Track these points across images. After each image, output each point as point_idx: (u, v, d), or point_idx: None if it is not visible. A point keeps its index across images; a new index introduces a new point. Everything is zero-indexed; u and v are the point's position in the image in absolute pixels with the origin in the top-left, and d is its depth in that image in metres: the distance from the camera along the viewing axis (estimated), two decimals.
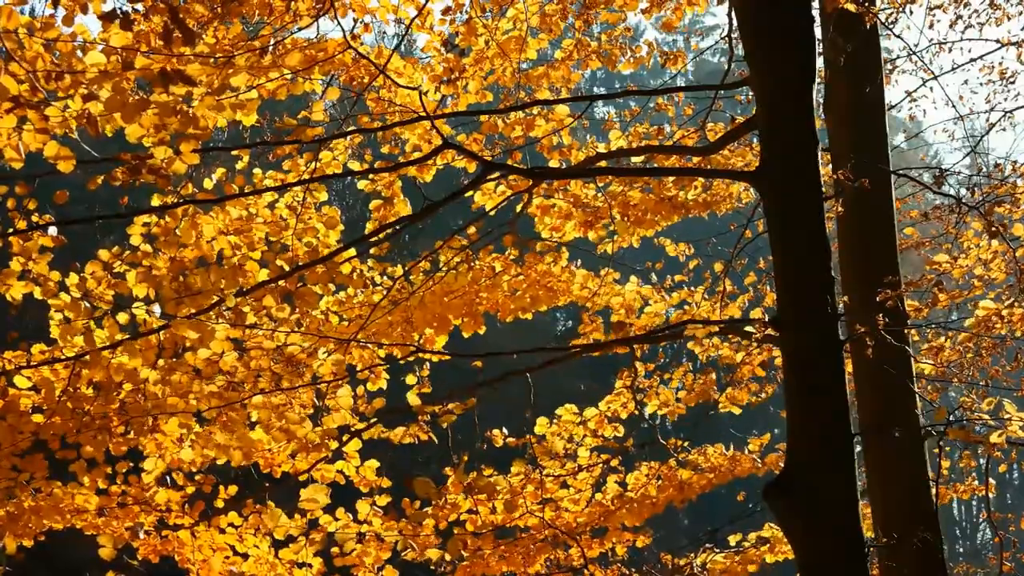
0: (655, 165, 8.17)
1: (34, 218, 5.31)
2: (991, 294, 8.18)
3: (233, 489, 6.74)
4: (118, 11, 3.34)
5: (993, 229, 6.99)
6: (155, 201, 5.95)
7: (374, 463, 6.89)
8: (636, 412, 8.25)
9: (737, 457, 8.57)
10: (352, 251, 6.53)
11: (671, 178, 8.12)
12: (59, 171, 4.39)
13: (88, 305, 5.47)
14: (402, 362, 7.46)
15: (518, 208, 8.01)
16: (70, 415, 5.38)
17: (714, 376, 8.90)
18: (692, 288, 8.98)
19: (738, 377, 8.84)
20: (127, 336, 5.50)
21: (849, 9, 6.47)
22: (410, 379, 7.53)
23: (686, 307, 8.82)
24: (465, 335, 8.01)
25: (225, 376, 5.73)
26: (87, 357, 5.27)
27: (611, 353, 8.23)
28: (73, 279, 5.58)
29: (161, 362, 5.56)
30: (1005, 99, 14.33)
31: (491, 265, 7.85)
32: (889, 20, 8.70)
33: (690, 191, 8.31)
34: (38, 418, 5.38)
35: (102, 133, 4.36)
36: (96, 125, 3.81)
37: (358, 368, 6.95)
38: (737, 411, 8.98)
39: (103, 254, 5.76)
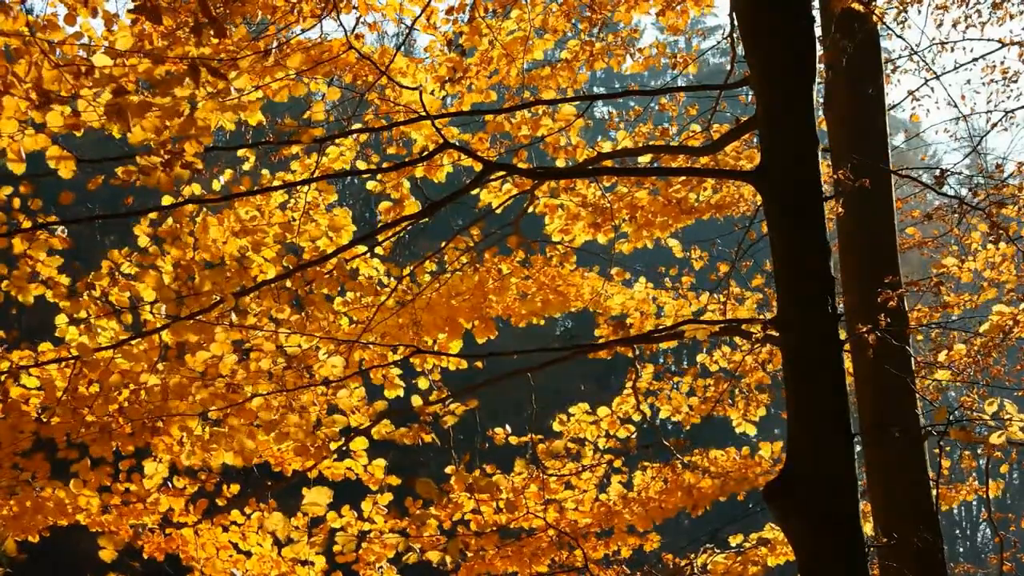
0: (659, 165, 8.15)
1: (39, 218, 5.32)
2: (1005, 297, 8.14)
3: (236, 488, 6.76)
4: (147, 2, 3.32)
5: (999, 231, 6.98)
6: (166, 201, 5.94)
7: (382, 462, 6.90)
8: (640, 414, 8.25)
9: (749, 462, 8.54)
10: (363, 247, 6.53)
11: (678, 181, 8.10)
12: (56, 171, 4.40)
13: (105, 303, 5.48)
14: (418, 367, 7.45)
15: (525, 205, 8.00)
16: (71, 415, 5.38)
17: (726, 385, 8.86)
18: (699, 291, 8.95)
19: (743, 385, 8.81)
20: (130, 336, 5.51)
21: (851, 9, 6.47)
22: (423, 383, 7.52)
23: (708, 311, 8.77)
24: (479, 340, 7.99)
25: (225, 378, 5.72)
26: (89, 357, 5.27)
27: (612, 355, 8.24)
28: (93, 278, 5.57)
29: (161, 365, 5.56)
30: (1007, 99, 14.34)
31: (497, 267, 7.84)
32: (892, 20, 8.69)
33: (699, 192, 8.27)
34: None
35: (108, 133, 4.37)
36: (127, 119, 3.77)
37: (361, 368, 6.95)
38: (752, 430, 8.94)
39: (114, 255, 5.75)
